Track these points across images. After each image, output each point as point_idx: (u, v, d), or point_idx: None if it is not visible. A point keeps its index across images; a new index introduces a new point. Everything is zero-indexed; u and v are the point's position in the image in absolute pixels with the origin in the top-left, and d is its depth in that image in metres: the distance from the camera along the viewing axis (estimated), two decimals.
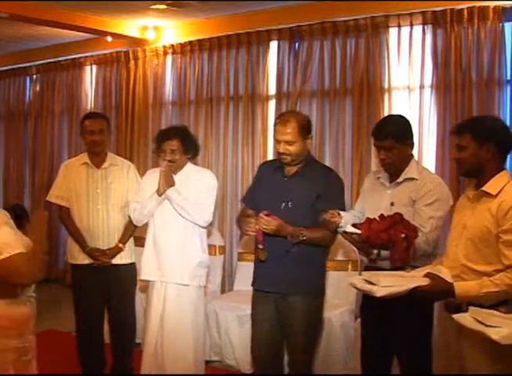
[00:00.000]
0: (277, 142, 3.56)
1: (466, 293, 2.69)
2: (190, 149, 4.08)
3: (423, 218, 3.29)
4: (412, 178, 3.40)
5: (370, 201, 3.56)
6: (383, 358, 3.53)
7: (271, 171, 3.72)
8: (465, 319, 2.57)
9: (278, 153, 3.59)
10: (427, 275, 2.80)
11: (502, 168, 2.82)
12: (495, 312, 2.54)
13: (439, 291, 2.75)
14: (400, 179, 3.43)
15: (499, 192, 2.73)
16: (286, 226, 3.45)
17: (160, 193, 3.91)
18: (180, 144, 3.98)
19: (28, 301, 2.75)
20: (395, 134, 3.36)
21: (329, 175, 3.71)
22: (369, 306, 3.54)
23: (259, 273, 3.67)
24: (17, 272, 2.59)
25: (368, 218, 3.25)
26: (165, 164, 3.97)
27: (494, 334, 2.40)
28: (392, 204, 3.39)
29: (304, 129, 3.55)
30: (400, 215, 3.17)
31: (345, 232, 3.28)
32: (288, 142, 3.49)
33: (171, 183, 3.92)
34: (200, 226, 4.03)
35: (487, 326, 2.46)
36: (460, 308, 2.72)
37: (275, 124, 3.63)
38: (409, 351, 3.39)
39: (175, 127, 4.31)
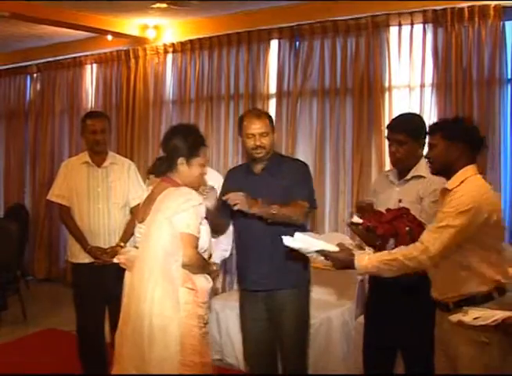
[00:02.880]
0: (250, 136, 3.54)
1: (364, 262, 2.85)
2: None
3: (429, 214, 3.31)
4: (421, 176, 3.41)
5: (380, 198, 3.59)
6: (385, 355, 3.54)
7: (238, 174, 3.74)
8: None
9: (251, 149, 3.55)
10: (338, 244, 2.97)
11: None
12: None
13: (341, 259, 2.91)
14: (408, 177, 3.45)
15: (457, 186, 2.81)
16: (254, 201, 3.40)
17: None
18: None
19: (204, 276, 3.04)
20: (410, 129, 3.39)
21: (295, 164, 3.75)
22: (373, 303, 3.56)
23: (245, 273, 3.66)
24: (183, 249, 2.89)
25: (375, 211, 3.30)
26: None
27: (467, 318, 2.57)
28: (400, 201, 3.41)
29: (272, 122, 3.64)
30: (406, 209, 3.20)
31: (352, 223, 3.31)
32: (262, 135, 3.52)
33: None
34: None
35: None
36: (448, 306, 2.82)
37: (242, 121, 3.61)
38: (414, 346, 3.40)
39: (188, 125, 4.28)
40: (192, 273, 2.95)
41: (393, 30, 5.45)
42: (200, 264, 3.00)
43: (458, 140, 2.84)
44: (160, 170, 3.12)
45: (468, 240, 2.74)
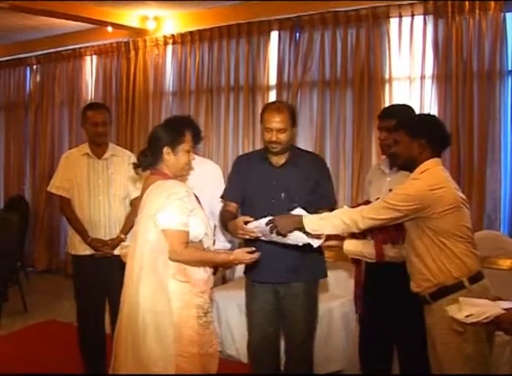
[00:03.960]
0: (268, 130, 3.51)
1: (310, 221, 3.04)
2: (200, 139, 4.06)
3: None
4: None
5: (372, 188, 3.61)
6: (383, 351, 3.55)
7: (254, 164, 3.67)
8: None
9: (268, 142, 3.54)
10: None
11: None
12: (477, 300, 2.66)
13: (289, 220, 3.12)
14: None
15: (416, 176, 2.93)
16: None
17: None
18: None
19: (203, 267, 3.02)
20: (399, 116, 3.38)
21: (318, 160, 3.80)
22: (370, 298, 3.57)
23: (258, 266, 3.54)
24: (170, 245, 2.86)
25: (364, 201, 3.34)
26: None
27: (459, 315, 2.60)
28: (390, 190, 3.41)
29: (294, 118, 3.58)
30: None
31: None
32: (280, 131, 3.48)
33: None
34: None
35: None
36: (425, 298, 2.90)
37: (264, 112, 3.57)
38: (409, 341, 3.41)
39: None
40: (191, 266, 2.93)
41: (393, 22, 5.44)
42: (195, 258, 2.94)
43: (420, 137, 2.92)
44: (147, 162, 3.07)
45: (427, 231, 2.84)
